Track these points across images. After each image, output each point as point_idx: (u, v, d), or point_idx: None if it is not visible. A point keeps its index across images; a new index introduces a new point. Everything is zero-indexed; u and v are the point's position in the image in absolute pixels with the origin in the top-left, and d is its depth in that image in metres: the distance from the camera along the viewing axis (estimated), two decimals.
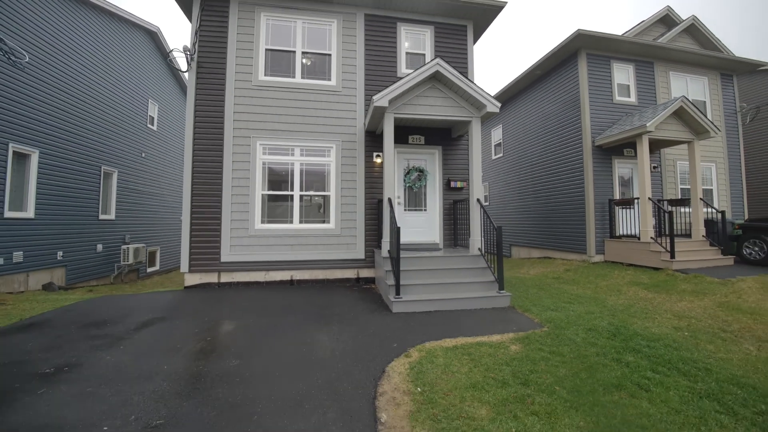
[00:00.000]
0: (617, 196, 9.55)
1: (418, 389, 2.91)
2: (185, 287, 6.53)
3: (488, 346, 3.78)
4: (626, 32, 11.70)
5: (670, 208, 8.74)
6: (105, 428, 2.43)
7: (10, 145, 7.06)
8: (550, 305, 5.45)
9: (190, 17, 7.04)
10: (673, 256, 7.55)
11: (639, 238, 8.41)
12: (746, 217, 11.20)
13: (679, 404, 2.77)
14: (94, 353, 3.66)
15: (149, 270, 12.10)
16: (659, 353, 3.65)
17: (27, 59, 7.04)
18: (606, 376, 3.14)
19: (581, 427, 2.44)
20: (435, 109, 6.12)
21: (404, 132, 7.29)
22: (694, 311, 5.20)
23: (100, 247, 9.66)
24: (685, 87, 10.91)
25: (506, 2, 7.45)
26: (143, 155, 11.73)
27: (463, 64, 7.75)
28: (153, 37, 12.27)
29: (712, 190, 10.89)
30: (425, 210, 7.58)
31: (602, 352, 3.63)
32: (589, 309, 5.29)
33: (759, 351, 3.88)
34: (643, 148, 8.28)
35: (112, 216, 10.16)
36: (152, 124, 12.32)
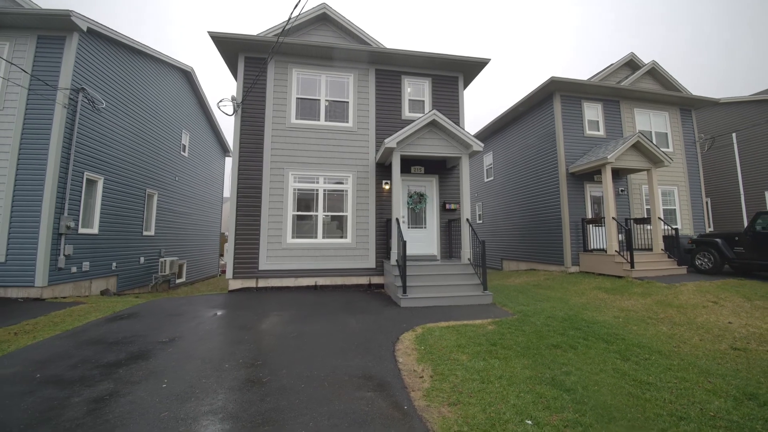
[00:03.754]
0: (589, 216, 11.13)
1: (422, 347, 4.37)
2: (229, 291, 7.97)
3: (471, 326, 5.24)
4: (596, 74, 13.59)
5: (629, 226, 10.28)
6: (226, 366, 3.86)
7: (85, 173, 8.62)
8: (523, 302, 6.92)
9: (235, 74, 8.78)
10: (632, 266, 9.04)
11: (606, 252, 9.92)
12: (708, 232, 12.74)
13: (593, 356, 4.22)
14: (189, 330, 5.10)
15: (178, 281, 13.48)
16: (594, 330, 5.11)
17: (104, 105, 8.71)
18: (550, 341, 4.59)
19: (525, 364, 3.89)
20: (432, 148, 7.77)
21: (408, 163, 8.90)
22: (636, 306, 6.67)
23: (142, 259, 11.10)
24: (649, 121, 12.68)
25: (490, 59, 9.22)
26: (176, 179, 13.33)
27: (455, 107, 9.46)
28: (187, 76, 14.10)
29: (675, 209, 12.48)
30: (425, 227, 9.11)
31: (552, 329, 5.09)
32: (554, 305, 6.75)
33: (669, 329, 5.34)
34: (607, 176, 9.91)
35: (152, 232, 11.65)
36: (184, 152, 13.99)
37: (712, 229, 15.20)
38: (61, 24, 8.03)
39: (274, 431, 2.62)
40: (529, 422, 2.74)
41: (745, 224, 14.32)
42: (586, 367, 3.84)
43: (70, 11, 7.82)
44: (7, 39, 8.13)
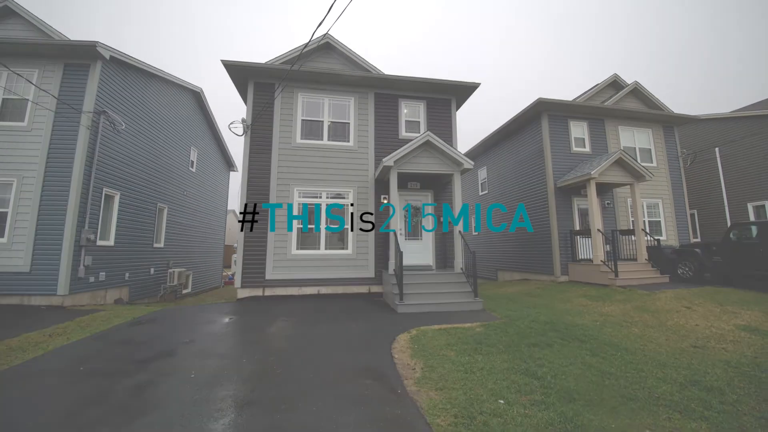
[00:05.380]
0: (577, 227, 11.75)
1: (415, 346, 4.92)
2: (238, 299, 8.51)
3: (461, 329, 5.79)
4: (582, 94, 14.40)
5: (614, 237, 10.86)
6: (244, 360, 4.41)
7: (104, 189, 9.26)
8: (512, 309, 7.47)
9: (245, 99, 9.51)
10: (616, 275, 9.60)
11: (593, 262, 10.50)
12: (692, 242, 13.32)
13: (567, 352, 4.77)
14: (207, 333, 5.65)
15: (184, 292, 13.98)
16: (571, 332, 5.66)
17: (124, 126, 9.41)
18: (530, 341, 5.14)
19: (505, 359, 4.44)
20: (427, 166, 8.43)
21: (405, 179, 9.55)
22: (615, 311, 7.21)
23: (152, 270, 11.65)
24: (633, 138, 13.42)
25: (480, 83, 9.99)
26: (185, 193, 13.98)
27: (448, 127, 10.17)
28: (196, 96, 14.90)
29: (660, 221, 13.10)
30: (421, 239, 9.71)
31: (534, 331, 5.65)
32: (539, 311, 7.30)
33: (640, 331, 5.89)
34: (592, 191, 10.56)
35: (161, 245, 12.22)
36: (192, 167, 14.68)
37: (698, 239, 15.79)
38: (87, 53, 8.78)
39: (290, 408, 3.17)
40: (502, 401, 3.30)
41: None
42: (558, 361, 4.40)
43: (96, 42, 8.58)
44: (36, 66, 8.88)
